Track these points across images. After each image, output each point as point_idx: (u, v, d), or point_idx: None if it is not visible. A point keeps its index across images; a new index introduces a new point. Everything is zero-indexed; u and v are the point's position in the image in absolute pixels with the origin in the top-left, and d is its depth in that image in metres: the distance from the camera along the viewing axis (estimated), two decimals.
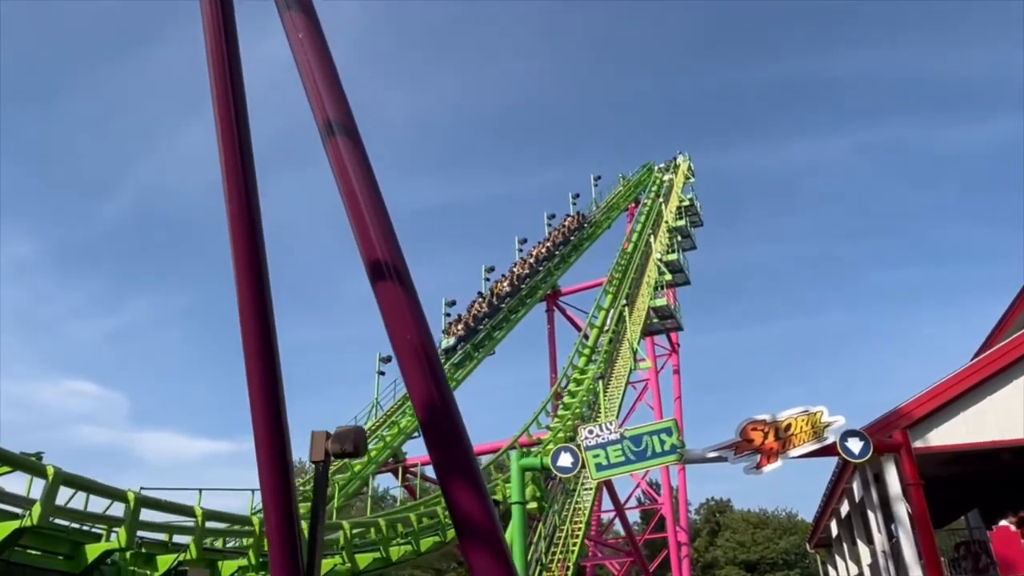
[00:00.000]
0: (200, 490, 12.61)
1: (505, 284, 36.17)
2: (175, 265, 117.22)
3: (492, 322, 34.02)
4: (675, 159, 51.13)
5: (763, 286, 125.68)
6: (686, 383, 42.07)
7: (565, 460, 14.49)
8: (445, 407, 6.86)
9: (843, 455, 13.66)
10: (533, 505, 20.69)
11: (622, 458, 14.11)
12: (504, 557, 6.41)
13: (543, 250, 39.06)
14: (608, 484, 25.33)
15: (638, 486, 37.09)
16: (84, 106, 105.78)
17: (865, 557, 20.76)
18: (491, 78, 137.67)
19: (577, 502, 20.32)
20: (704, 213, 44.53)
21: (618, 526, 31.87)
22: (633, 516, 50.32)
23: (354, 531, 13.69)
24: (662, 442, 14.06)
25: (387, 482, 39.71)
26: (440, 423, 6.72)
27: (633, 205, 47.00)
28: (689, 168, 48.97)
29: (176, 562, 9.79)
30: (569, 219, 42.59)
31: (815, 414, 13.85)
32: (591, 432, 14.45)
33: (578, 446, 14.58)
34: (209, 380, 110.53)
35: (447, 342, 32.72)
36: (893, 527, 17.42)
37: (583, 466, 14.40)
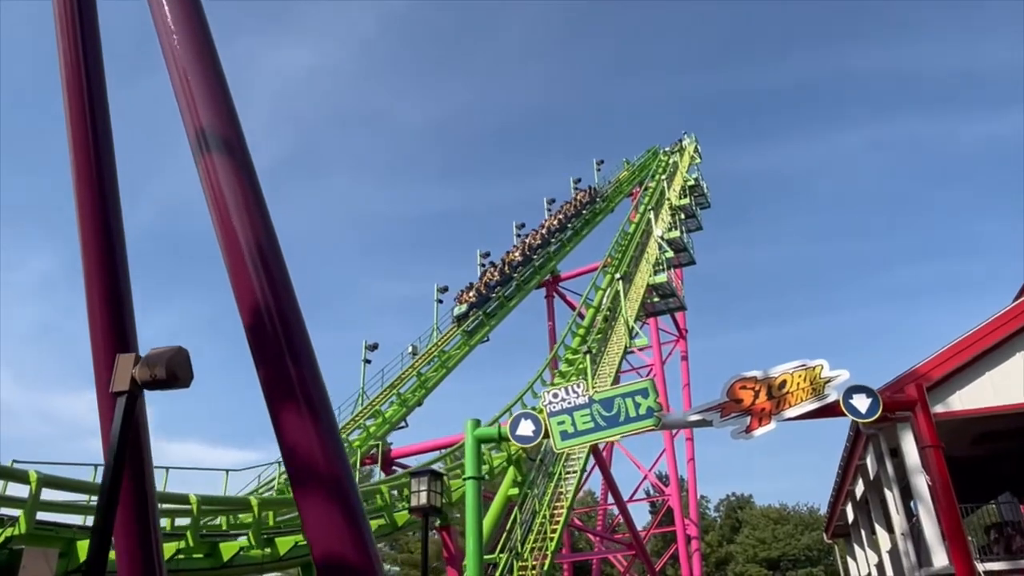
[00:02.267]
0: (96, 466, 11.02)
1: (517, 254, 35.18)
2: (195, 274, 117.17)
3: (502, 291, 32.91)
4: (681, 141, 49.36)
5: (777, 284, 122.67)
6: (697, 379, 40.10)
7: (526, 428, 12.57)
8: (283, 314, 5.04)
9: (847, 414, 11.65)
10: (515, 491, 18.96)
11: (591, 424, 12.17)
12: (351, 509, 4.57)
13: (555, 222, 37.98)
14: (601, 462, 23.50)
15: (645, 478, 35.10)
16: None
17: (884, 543, 18.72)
18: (495, 81, 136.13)
19: (560, 486, 18.43)
20: (712, 195, 42.65)
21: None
22: (643, 509, 48.31)
23: (275, 513, 11.95)
24: (637, 405, 12.11)
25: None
26: (273, 334, 4.91)
27: (637, 188, 45.16)
28: (696, 150, 47.21)
29: (3, 539, 8.12)
30: (581, 193, 41.31)
31: (814, 368, 11.85)
32: (556, 396, 12.50)
33: (541, 412, 12.69)
34: (232, 389, 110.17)
35: (459, 309, 31.95)
36: (912, 505, 15.45)
37: (547, 435, 12.50)
